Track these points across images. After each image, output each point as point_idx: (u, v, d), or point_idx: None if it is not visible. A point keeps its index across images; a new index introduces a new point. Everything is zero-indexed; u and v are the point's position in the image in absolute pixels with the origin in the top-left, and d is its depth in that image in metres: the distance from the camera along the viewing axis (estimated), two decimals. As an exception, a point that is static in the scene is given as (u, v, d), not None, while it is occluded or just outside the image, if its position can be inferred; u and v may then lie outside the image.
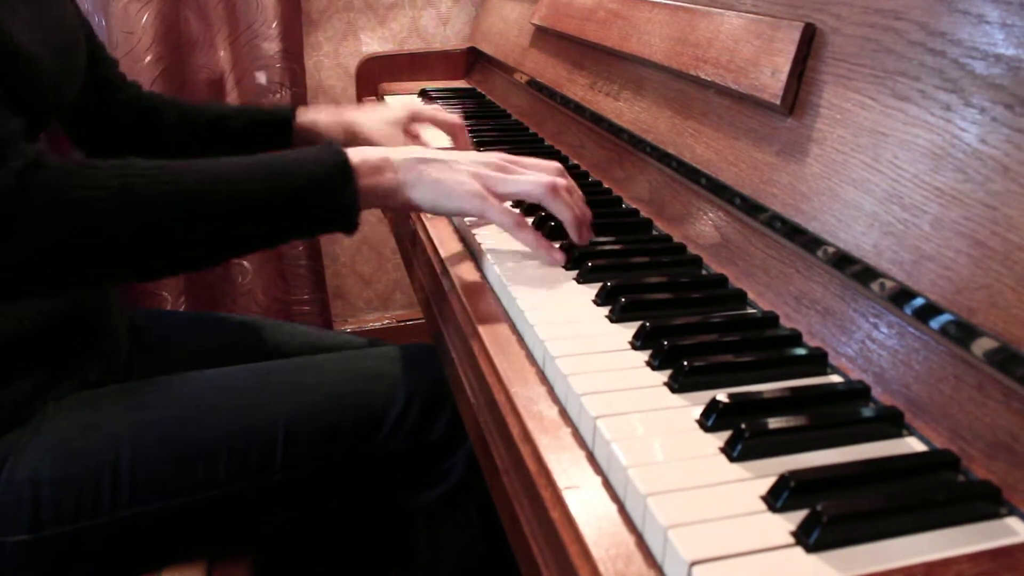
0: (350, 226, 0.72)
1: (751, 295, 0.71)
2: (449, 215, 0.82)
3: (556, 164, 0.81)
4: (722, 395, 0.54)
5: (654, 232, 0.87)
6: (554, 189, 0.76)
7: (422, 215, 0.94)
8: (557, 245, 0.79)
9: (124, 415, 0.83)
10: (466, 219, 0.88)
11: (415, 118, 1.07)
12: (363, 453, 0.87)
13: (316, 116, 1.08)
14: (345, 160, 0.71)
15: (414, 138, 1.08)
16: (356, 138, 1.04)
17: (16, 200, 0.61)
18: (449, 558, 0.95)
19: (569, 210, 0.77)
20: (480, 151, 0.86)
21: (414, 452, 0.90)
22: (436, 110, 1.10)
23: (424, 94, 1.57)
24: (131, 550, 0.82)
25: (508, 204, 0.80)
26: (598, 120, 1.08)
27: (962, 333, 0.51)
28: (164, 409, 0.85)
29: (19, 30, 0.75)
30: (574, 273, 0.76)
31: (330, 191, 0.70)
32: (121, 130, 1.09)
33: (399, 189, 0.74)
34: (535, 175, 0.78)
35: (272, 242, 0.72)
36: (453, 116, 1.08)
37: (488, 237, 0.83)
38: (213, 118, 1.08)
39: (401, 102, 1.13)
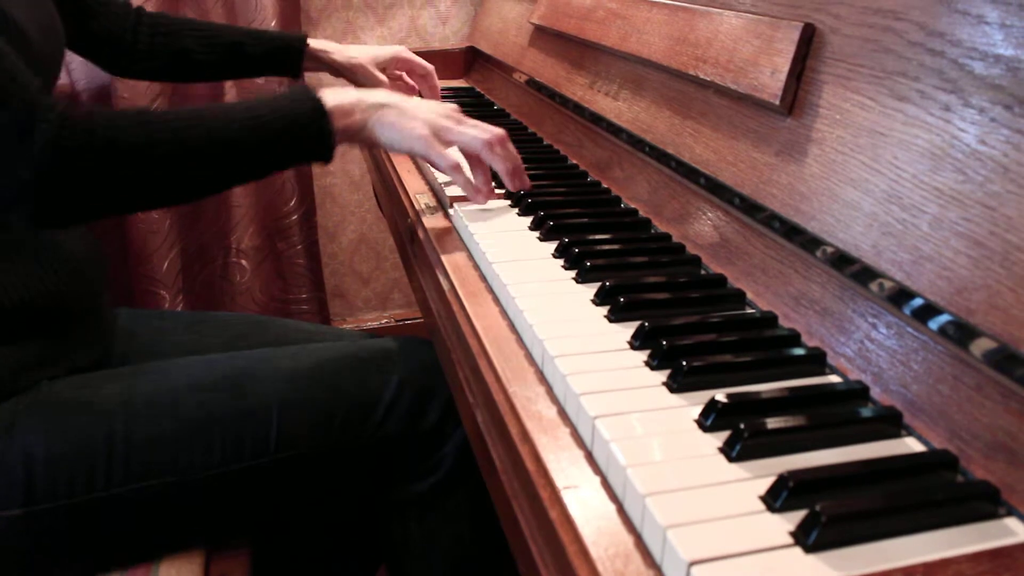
0: (328, 158, 0.85)
1: (750, 295, 0.71)
2: (401, 152, 0.96)
3: (500, 130, 0.92)
4: (721, 395, 0.54)
5: (653, 232, 0.87)
6: (490, 144, 0.90)
7: (427, 230, 0.94)
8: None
9: (119, 395, 0.85)
10: (468, 224, 0.88)
11: (397, 62, 1.28)
12: (356, 438, 0.89)
13: (324, 45, 1.25)
14: (321, 104, 0.84)
15: (395, 79, 1.32)
16: (349, 67, 1.28)
17: (60, 148, 0.72)
18: (441, 548, 0.96)
19: (502, 161, 0.91)
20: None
21: (407, 439, 0.91)
22: (413, 60, 1.30)
23: (422, 93, 1.57)
24: (125, 529, 0.83)
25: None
26: (597, 120, 1.07)
27: (961, 333, 0.51)
28: (159, 391, 0.87)
29: (11, 5, 0.80)
30: (573, 272, 0.76)
31: (309, 130, 0.83)
32: (145, 56, 1.18)
33: (364, 128, 0.87)
34: (478, 131, 0.91)
35: (268, 172, 0.86)
36: (426, 64, 1.28)
37: (487, 237, 0.84)
38: (233, 42, 1.19)
39: (391, 47, 1.30)
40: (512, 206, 0.94)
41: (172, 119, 0.78)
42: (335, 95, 0.85)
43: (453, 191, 0.98)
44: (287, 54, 1.21)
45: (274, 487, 0.88)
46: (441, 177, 1.03)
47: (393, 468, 0.93)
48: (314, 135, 0.83)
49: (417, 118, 0.88)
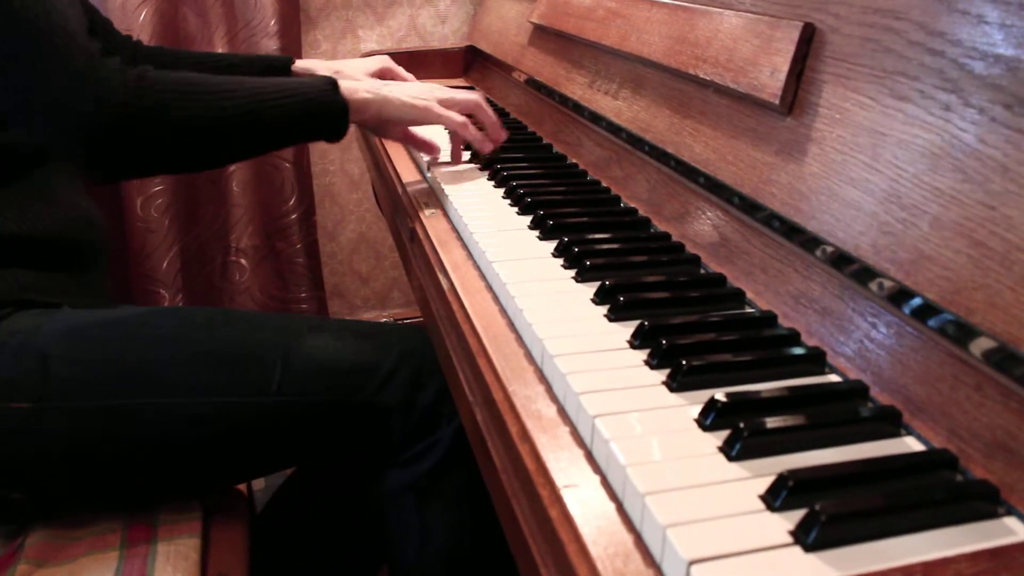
0: (341, 132, 0.98)
1: (749, 294, 0.71)
2: (411, 123, 1.06)
3: (478, 95, 1.09)
4: (720, 394, 0.54)
5: (652, 231, 0.87)
6: (479, 103, 1.08)
7: (427, 229, 0.95)
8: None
9: (139, 322, 0.93)
10: (467, 223, 0.88)
11: (384, 73, 1.34)
12: (354, 398, 0.92)
13: (310, 63, 1.33)
14: (336, 84, 0.96)
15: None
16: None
17: (113, 108, 0.82)
18: (439, 535, 0.96)
19: (490, 116, 1.09)
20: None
21: (403, 411, 0.92)
22: (398, 71, 1.34)
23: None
24: (125, 447, 0.86)
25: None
26: (597, 119, 1.07)
27: (960, 333, 0.51)
28: (178, 323, 0.93)
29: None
30: (573, 271, 0.76)
31: (329, 105, 0.95)
32: None
33: (370, 105, 0.99)
34: (467, 95, 1.07)
35: (289, 144, 1.01)
36: (409, 75, 1.34)
37: (487, 236, 0.84)
38: (226, 66, 1.27)
39: (376, 58, 1.34)
40: (512, 204, 0.94)
41: (214, 90, 0.87)
42: (341, 80, 0.97)
43: (451, 189, 0.98)
44: (276, 72, 1.29)
45: (274, 429, 0.91)
46: (439, 175, 1.04)
47: (389, 442, 0.94)
48: (332, 111, 0.94)
49: (417, 91, 1.02)
